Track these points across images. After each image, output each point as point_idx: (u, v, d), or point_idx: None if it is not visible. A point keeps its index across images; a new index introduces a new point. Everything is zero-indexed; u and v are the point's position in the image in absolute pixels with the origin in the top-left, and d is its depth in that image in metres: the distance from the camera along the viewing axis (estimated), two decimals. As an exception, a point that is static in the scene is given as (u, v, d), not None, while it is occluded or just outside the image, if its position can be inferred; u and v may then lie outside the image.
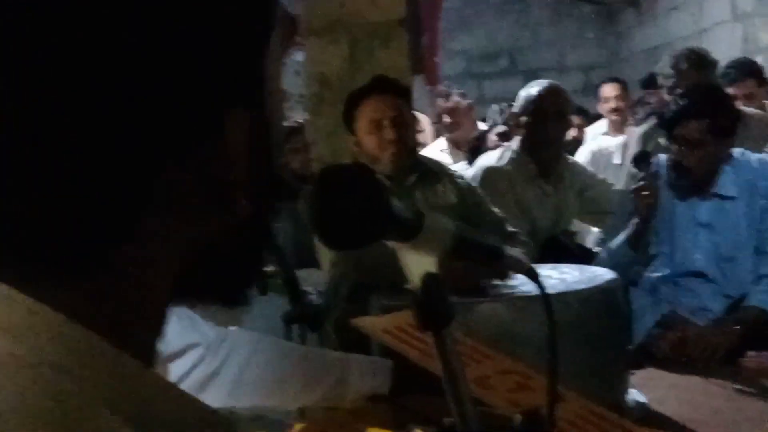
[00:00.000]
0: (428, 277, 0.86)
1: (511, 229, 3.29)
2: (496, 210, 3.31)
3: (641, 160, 3.40)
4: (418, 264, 0.87)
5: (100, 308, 0.53)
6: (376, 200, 0.77)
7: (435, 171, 3.22)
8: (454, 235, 0.88)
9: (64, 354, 0.49)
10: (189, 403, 0.54)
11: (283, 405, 1.83)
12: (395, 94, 3.07)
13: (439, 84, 7.12)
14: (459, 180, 3.30)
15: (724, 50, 6.72)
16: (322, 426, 1.78)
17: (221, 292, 0.64)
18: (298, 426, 1.76)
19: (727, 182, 3.39)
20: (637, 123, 5.37)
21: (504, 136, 5.17)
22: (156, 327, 0.59)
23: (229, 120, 0.57)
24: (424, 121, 6.06)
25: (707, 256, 3.41)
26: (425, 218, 0.85)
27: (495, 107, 5.73)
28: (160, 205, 0.55)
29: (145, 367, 0.53)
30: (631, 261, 3.38)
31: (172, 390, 0.53)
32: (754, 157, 3.45)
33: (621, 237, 3.38)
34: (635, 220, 3.35)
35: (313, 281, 3.88)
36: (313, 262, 4.13)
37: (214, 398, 1.69)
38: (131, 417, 0.48)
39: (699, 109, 3.32)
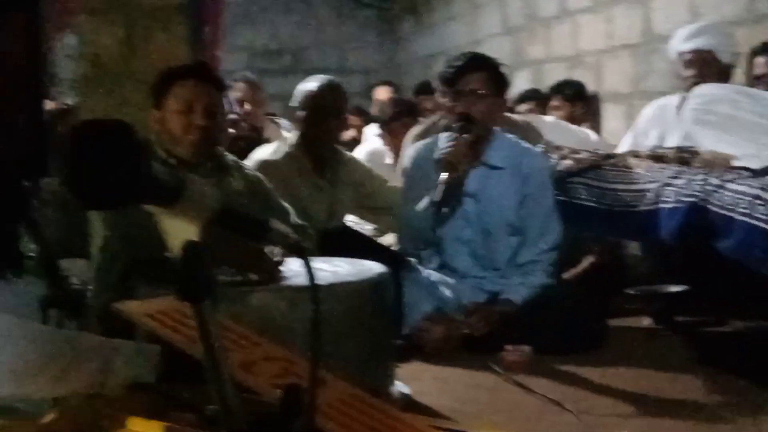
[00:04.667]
0: (188, 246, 0.83)
1: (298, 221, 3.30)
2: (283, 203, 3.31)
3: (464, 123, 3.49)
4: (178, 231, 0.83)
5: None
6: (133, 158, 0.72)
7: (228, 163, 3.19)
8: (218, 204, 0.85)
9: None
10: None
11: (38, 393, 1.72)
12: (213, 84, 3.03)
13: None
14: (249, 172, 3.29)
15: (495, 61, 7.04)
16: (74, 416, 1.68)
17: None
18: (48, 416, 1.66)
19: (495, 153, 3.58)
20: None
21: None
22: None
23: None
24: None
25: (473, 227, 3.57)
26: (187, 184, 0.81)
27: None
28: None
29: None
30: (433, 223, 3.48)
31: None
32: (522, 142, 3.69)
33: (425, 200, 3.45)
34: (442, 180, 3.41)
35: (79, 271, 3.71)
36: (81, 252, 3.94)
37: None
38: None
39: (477, 63, 3.59)
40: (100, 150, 0.72)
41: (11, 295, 2.05)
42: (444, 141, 3.57)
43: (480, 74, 3.53)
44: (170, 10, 3.74)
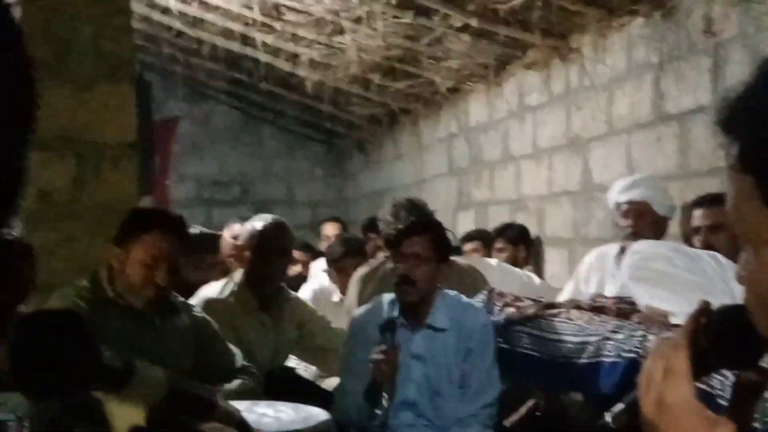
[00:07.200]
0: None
1: (243, 362, 3.27)
2: (230, 345, 3.29)
3: (387, 328, 3.45)
4: (125, 417, 0.84)
5: None
6: (82, 349, 0.74)
7: (174, 303, 3.17)
8: (166, 387, 0.86)
9: None
10: None
11: None
12: (180, 237, 3.01)
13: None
14: (196, 314, 3.27)
15: (441, 201, 7.19)
16: None
17: None
18: None
19: (439, 315, 3.57)
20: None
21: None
22: None
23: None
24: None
25: (419, 388, 3.54)
26: (136, 369, 0.82)
27: None
28: None
29: None
30: (370, 412, 3.41)
31: None
32: (463, 299, 3.68)
33: (360, 390, 3.39)
34: (372, 379, 3.37)
35: (13, 406, 3.60)
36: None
37: None
38: None
39: (423, 226, 3.58)
40: (48, 341, 0.74)
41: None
42: (386, 305, 3.57)
43: (423, 237, 3.51)
44: (122, 148, 3.77)
